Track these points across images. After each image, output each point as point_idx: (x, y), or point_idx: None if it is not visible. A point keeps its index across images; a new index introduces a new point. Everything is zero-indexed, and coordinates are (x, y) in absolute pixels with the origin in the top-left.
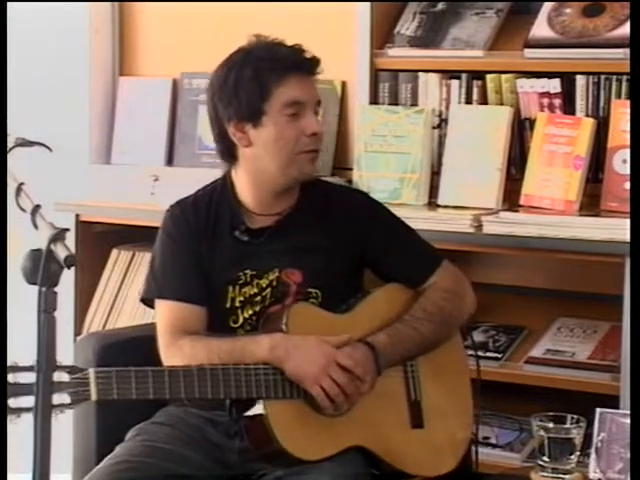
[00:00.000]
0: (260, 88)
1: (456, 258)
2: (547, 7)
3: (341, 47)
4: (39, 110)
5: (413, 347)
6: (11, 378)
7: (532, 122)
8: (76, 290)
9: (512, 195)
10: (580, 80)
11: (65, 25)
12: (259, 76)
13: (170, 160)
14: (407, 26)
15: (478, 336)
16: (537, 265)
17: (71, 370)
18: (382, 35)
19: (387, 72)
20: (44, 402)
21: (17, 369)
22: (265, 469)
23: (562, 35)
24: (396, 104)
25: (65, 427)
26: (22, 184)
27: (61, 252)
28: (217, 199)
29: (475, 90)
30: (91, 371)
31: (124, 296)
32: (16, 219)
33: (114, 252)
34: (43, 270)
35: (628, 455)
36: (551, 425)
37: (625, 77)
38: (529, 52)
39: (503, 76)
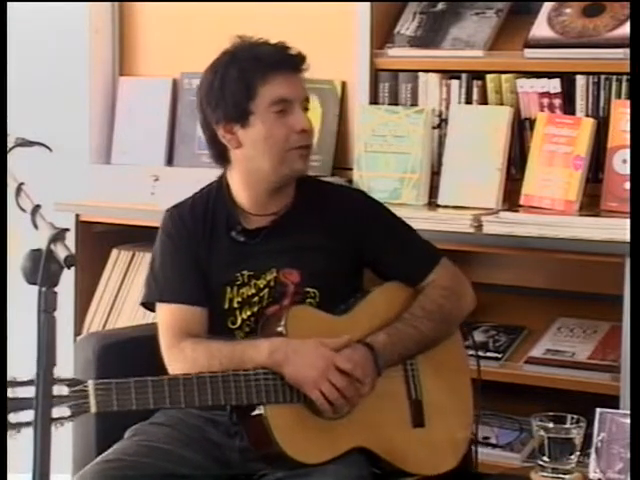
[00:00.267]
0: (245, 88)
1: (456, 258)
2: (547, 7)
3: (341, 47)
4: (39, 110)
5: (413, 346)
6: (10, 393)
7: (532, 122)
8: (76, 290)
9: (512, 195)
10: (580, 80)
11: (65, 25)
12: (244, 76)
13: (170, 160)
14: (407, 26)
15: (478, 336)
16: (537, 265)
17: (70, 383)
18: (382, 35)
19: (387, 72)
20: (44, 402)
21: (15, 384)
22: (266, 469)
23: (562, 35)
24: (396, 104)
25: (65, 427)
26: (22, 184)
27: (61, 252)
28: (213, 201)
29: (475, 90)
30: (90, 383)
31: (124, 296)
32: (16, 219)
33: (114, 252)
34: (43, 270)
35: (628, 455)
36: (551, 425)
37: (625, 77)
38: (529, 52)
39: (503, 76)
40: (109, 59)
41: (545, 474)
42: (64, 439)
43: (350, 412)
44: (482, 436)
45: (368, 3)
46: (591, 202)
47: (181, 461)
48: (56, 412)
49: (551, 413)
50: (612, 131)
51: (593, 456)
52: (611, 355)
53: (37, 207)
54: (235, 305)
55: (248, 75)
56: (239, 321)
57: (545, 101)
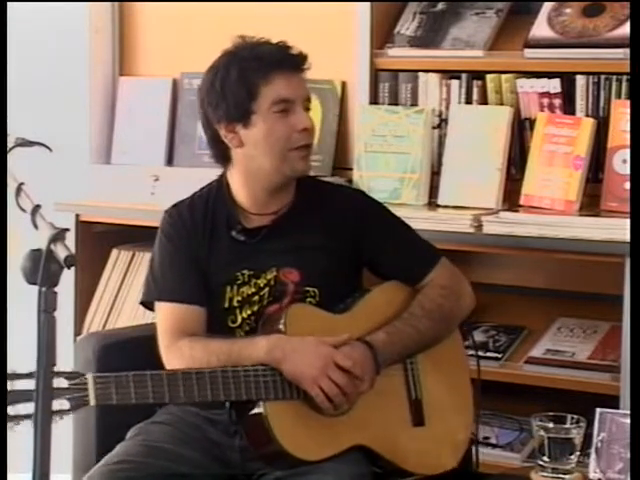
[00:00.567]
0: (247, 88)
1: (456, 258)
2: (547, 7)
3: (341, 47)
4: (39, 110)
5: (412, 345)
6: (9, 386)
7: (532, 122)
8: (76, 290)
9: (512, 195)
10: (580, 80)
11: (65, 25)
12: (245, 76)
13: (170, 160)
14: (407, 26)
15: (478, 336)
16: (537, 265)
17: (69, 376)
18: (382, 35)
19: (387, 72)
20: (44, 402)
21: (15, 376)
22: (265, 469)
23: (562, 35)
24: (396, 104)
25: (65, 427)
26: (22, 184)
27: (61, 252)
28: (213, 200)
29: (475, 90)
30: (89, 376)
31: (124, 296)
32: (16, 219)
33: (114, 252)
34: (43, 270)
35: (628, 455)
36: (551, 425)
37: (625, 77)
38: (529, 52)
39: (503, 76)
40: (109, 59)
41: (545, 474)
42: (64, 439)
43: (350, 410)
44: (482, 436)
45: (368, 3)
46: (591, 202)
47: (182, 460)
48: (55, 405)
49: (551, 413)
50: (612, 131)
51: (593, 456)
52: (611, 355)
53: (37, 207)
54: (235, 304)
55: (250, 75)
56: (239, 320)
57: (545, 101)
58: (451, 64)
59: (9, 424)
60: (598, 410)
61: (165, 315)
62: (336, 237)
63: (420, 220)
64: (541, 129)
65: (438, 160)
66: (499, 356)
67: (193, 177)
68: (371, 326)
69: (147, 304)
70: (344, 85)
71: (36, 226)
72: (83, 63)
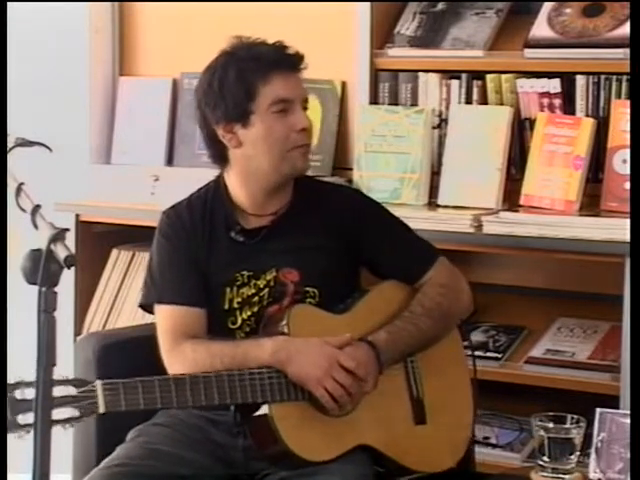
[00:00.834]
0: (245, 89)
1: (456, 258)
2: (547, 7)
3: (341, 47)
4: (39, 110)
5: (413, 343)
6: (18, 394)
7: (532, 122)
8: (76, 290)
9: (512, 195)
10: (580, 80)
11: (65, 25)
12: (243, 77)
13: (170, 160)
14: (407, 26)
15: (478, 336)
16: (537, 265)
17: (77, 383)
18: (382, 35)
19: (387, 72)
20: (44, 402)
21: (23, 385)
22: (270, 469)
23: (562, 35)
24: (396, 104)
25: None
26: (22, 184)
27: (61, 252)
28: (211, 201)
29: (475, 90)
30: (98, 383)
31: (124, 296)
32: (16, 219)
33: (114, 252)
34: (43, 270)
35: (628, 455)
36: (551, 425)
37: (625, 77)
38: (529, 52)
39: (503, 76)
40: (109, 59)
41: (545, 474)
42: (64, 439)
43: (354, 410)
44: (482, 436)
45: (368, 3)
46: (591, 202)
47: (183, 462)
48: (65, 413)
49: (551, 413)
50: (612, 131)
51: (593, 456)
52: (611, 355)
53: (37, 207)
54: (235, 305)
55: (248, 75)
56: (239, 321)
57: (545, 101)
58: (451, 64)
59: (19, 432)
60: (598, 410)
61: (165, 318)
62: (335, 237)
63: (420, 220)
64: (541, 129)
65: (438, 160)
66: (499, 356)
67: (193, 177)
68: (372, 326)
69: (146, 307)
70: (344, 85)
71: (36, 226)
72: (83, 63)
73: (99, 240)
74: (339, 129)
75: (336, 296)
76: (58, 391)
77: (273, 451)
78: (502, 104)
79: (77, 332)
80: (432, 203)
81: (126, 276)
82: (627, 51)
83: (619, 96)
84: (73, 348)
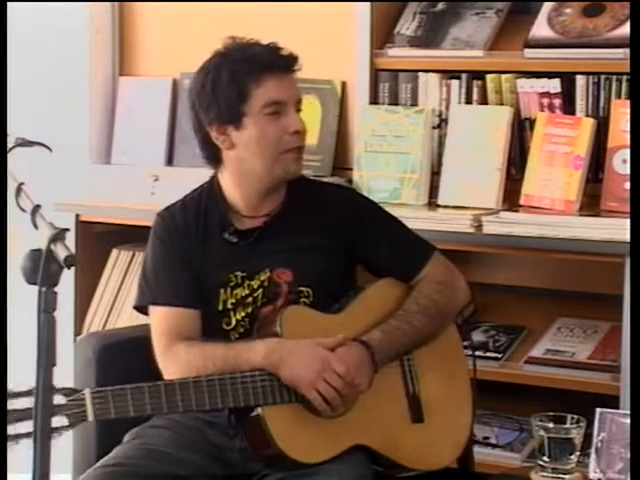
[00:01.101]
0: (238, 90)
1: (456, 258)
2: (547, 7)
3: (341, 47)
4: (39, 110)
5: (408, 341)
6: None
7: (532, 122)
8: (76, 290)
9: (512, 195)
10: (580, 80)
11: (65, 25)
12: (236, 78)
13: (170, 160)
14: (407, 26)
15: (478, 336)
16: (537, 265)
17: (67, 392)
18: (382, 35)
19: (387, 72)
20: (44, 401)
21: (12, 395)
22: (267, 470)
23: (562, 35)
24: (396, 104)
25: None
26: (22, 184)
27: (61, 252)
28: (205, 202)
29: (475, 90)
30: (87, 392)
31: (124, 296)
32: (16, 219)
33: (114, 252)
34: (43, 270)
35: (628, 455)
36: (551, 425)
37: (625, 77)
38: (529, 52)
39: (503, 76)
40: (109, 59)
41: (545, 474)
42: (64, 439)
43: (349, 410)
44: (482, 436)
45: (368, 3)
46: (591, 202)
47: (181, 463)
48: (54, 422)
49: (551, 413)
50: (612, 131)
51: (593, 456)
52: (611, 355)
53: (37, 207)
54: (229, 306)
55: (241, 77)
56: (233, 322)
57: (545, 101)
58: (451, 64)
59: (9, 443)
60: (598, 410)
61: (160, 319)
62: (329, 236)
63: (420, 220)
64: (541, 129)
65: (438, 160)
66: (499, 356)
67: (193, 177)
68: (367, 325)
69: (141, 308)
70: (344, 85)
71: (36, 226)
72: (83, 63)
73: (99, 240)
74: (339, 129)
75: (331, 295)
76: None
77: (267, 453)
78: (502, 104)
79: (77, 332)
80: (432, 203)
81: (126, 276)
82: (627, 51)
83: (619, 96)
84: (73, 348)
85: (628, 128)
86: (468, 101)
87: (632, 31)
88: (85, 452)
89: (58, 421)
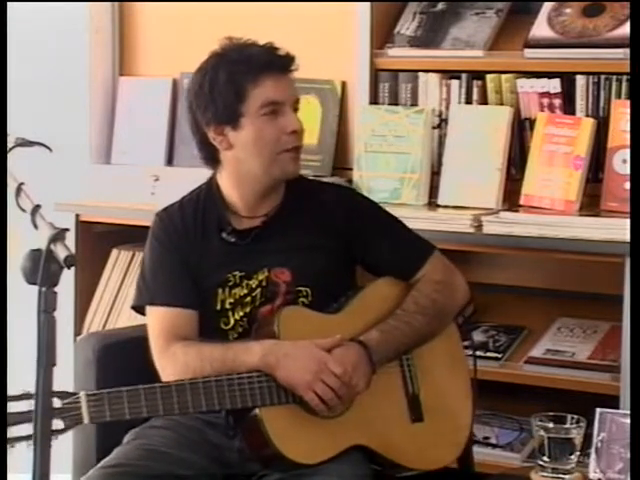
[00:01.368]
0: (235, 91)
1: (456, 258)
2: (547, 7)
3: (341, 47)
4: (39, 110)
5: (407, 341)
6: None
7: (532, 122)
8: (76, 290)
9: (512, 195)
10: (580, 80)
11: (65, 25)
12: (233, 79)
13: (170, 160)
14: (407, 26)
15: (478, 336)
16: (537, 265)
17: (62, 395)
18: (382, 35)
19: (387, 72)
20: (44, 401)
21: (8, 399)
22: (265, 470)
23: (562, 35)
24: (396, 104)
25: None
26: (22, 184)
27: (61, 252)
28: (203, 202)
29: (475, 90)
30: (82, 394)
31: (124, 296)
32: (16, 219)
33: (114, 252)
34: (43, 270)
35: (628, 455)
36: (551, 425)
37: (625, 77)
38: (529, 52)
39: (503, 76)
40: (109, 59)
41: (545, 474)
42: (64, 439)
43: (347, 410)
44: (482, 436)
45: (368, 3)
46: (591, 202)
47: (180, 463)
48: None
49: (551, 413)
50: (612, 131)
51: (593, 456)
52: (611, 355)
53: (37, 207)
54: (227, 306)
55: (238, 77)
56: (232, 322)
57: (545, 101)
58: (451, 64)
59: (11, 445)
60: (598, 410)
61: (157, 319)
62: (328, 236)
63: (420, 220)
64: (541, 129)
65: (438, 160)
66: (499, 356)
67: (193, 177)
68: (365, 324)
69: (139, 309)
70: (344, 85)
71: (36, 226)
72: (83, 63)
73: (99, 240)
74: (339, 129)
75: (329, 295)
76: None
77: (265, 453)
78: (502, 104)
79: (77, 332)
80: (432, 203)
81: (126, 276)
82: (627, 51)
83: (619, 96)
84: (73, 348)
85: (628, 128)
86: (468, 101)
87: (632, 31)
88: (85, 452)
89: (54, 424)
